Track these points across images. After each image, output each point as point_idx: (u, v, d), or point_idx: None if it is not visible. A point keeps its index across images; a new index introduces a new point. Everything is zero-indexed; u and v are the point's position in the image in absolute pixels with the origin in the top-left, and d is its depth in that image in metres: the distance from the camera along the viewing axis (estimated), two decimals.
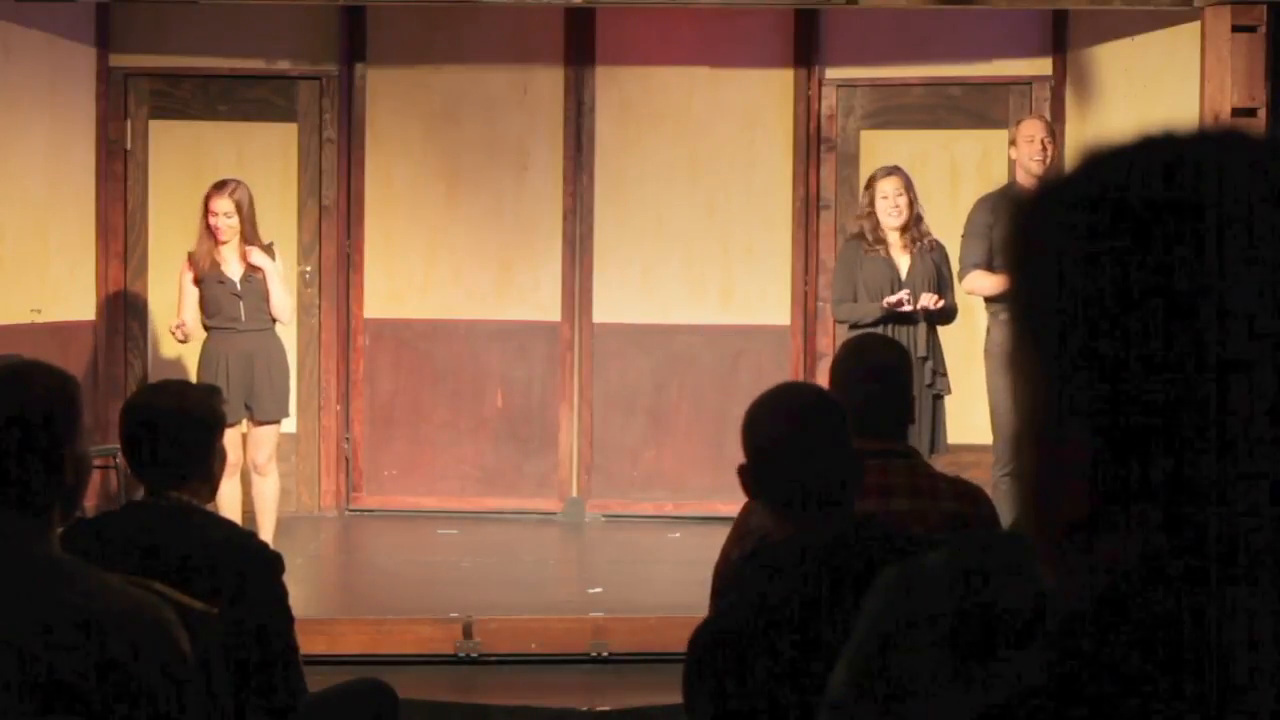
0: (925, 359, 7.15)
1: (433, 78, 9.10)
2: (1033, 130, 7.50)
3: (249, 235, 7.51)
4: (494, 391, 9.14)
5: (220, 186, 7.53)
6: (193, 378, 7.51)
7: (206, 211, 7.49)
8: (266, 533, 7.47)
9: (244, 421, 7.49)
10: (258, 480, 7.59)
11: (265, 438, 7.57)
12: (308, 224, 9.05)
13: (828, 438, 2.96)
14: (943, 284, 7.37)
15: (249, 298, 7.46)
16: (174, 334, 7.59)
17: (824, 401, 3.07)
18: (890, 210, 7.35)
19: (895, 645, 1.21)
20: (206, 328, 7.52)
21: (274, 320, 7.57)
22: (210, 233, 7.49)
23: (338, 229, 9.06)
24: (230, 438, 7.37)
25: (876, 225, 7.37)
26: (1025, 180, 7.46)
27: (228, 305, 7.46)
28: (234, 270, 7.48)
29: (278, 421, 7.63)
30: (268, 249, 7.56)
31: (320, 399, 9.10)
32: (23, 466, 2.57)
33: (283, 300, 7.57)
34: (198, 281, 7.48)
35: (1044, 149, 7.38)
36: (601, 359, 9.08)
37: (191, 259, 7.54)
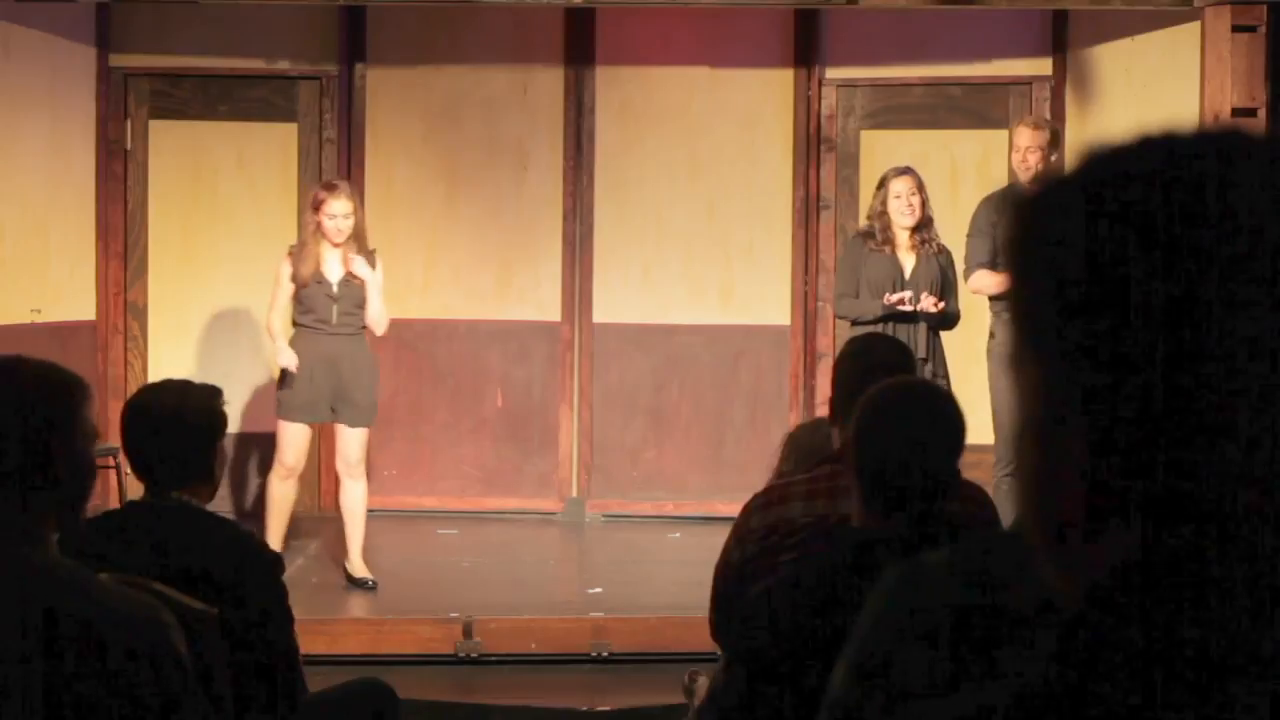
0: (925, 360, 7.13)
1: (433, 78, 9.10)
2: (1020, 140, 7.51)
3: (358, 237, 7.26)
4: (494, 391, 9.14)
5: (332, 188, 7.27)
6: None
7: (316, 213, 7.18)
8: (356, 542, 7.33)
9: (308, 424, 7.31)
10: (350, 484, 7.37)
11: (357, 440, 7.32)
12: None
13: (924, 441, 2.94)
14: (946, 288, 7.36)
15: (343, 301, 7.20)
16: (289, 367, 7.18)
17: (937, 405, 3.02)
18: (903, 210, 7.34)
19: (896, 645, 1.21)
20: (295, 324, 7.32)
21: (363, 326, 7.31)
22: (322, 236, 7.18)
23: None
24: (299, 437, 7.27)
25: (888, 225, 7.36)
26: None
27: (320, 306, 7.21)
28: (334, 272, 7.22)
29: (368, 426, 7.39)
30: (370, 255, 7.29)
31: None
32: (20, 467, 2.56)
33: (380, 311, 7.29)
34: (298, 290, 7.21)
35: (1026, 160, 7.40)
36: (601, 359, 9.08)
37: (292, 257, 7.25)
